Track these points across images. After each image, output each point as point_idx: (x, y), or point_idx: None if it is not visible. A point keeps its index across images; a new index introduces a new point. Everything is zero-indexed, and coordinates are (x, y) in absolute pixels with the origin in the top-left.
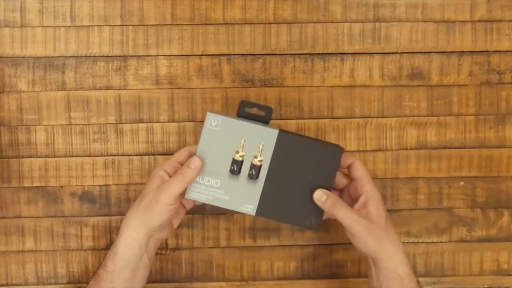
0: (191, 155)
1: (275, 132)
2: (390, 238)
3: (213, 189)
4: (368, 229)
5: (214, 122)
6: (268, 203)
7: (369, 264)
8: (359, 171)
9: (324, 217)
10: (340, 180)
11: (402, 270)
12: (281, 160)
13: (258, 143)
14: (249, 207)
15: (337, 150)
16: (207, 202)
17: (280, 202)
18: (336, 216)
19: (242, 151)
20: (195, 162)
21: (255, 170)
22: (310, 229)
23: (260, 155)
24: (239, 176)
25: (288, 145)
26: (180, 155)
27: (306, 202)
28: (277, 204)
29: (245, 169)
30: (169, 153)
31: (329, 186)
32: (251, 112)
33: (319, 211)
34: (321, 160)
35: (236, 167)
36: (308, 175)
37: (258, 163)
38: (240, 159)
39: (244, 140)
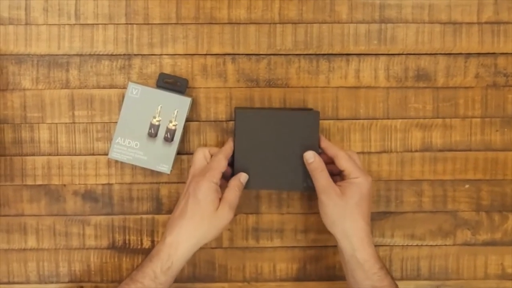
0: (226, 158)
1: (188, 100)
2: (351, 219)
3: (133, 150)
4: (332, 199)
5: (134, 90)
6: (260, 176)
7: (339, 248)
8: (345, 162)
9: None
10: (334, 168)
11: (359, 255)
12: (263, 133)
13: (173, 109)
14: (165, 167)
15: (314, 114)
16: (127, 161)
17: (273, 172)
18: (314, 177)
19: (158, 116)
20: (244, 177)
21: (170, 134)
22: (308, 191)
23: (175, 120)
24: (156, 139)
25: (267, 120)
26: (223, 165)
27: (298, 168)
28: (270, 175)
29: (161, 133)
30: None
31: (316, 150)
32: (169, 82)
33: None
34: (301, 127)
35: (153, 130)
36: (294, 144)
37: (173, 127)
38: (157, 123)
39: (161, 107)
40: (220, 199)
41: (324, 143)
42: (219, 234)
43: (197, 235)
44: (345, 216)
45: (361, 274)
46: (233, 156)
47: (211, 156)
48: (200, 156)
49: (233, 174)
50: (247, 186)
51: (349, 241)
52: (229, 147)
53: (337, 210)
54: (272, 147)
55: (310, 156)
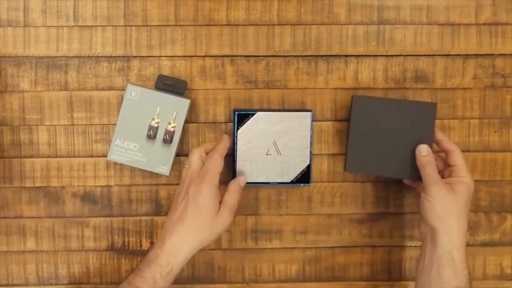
0: (222, 157)
1: (187, 101)
2: (458, 218)
3: (132, 152)
4: (443, 195)
5: (133, 92)
6: (370, 161)
7: (425, 242)
8: (457, 159)
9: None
10: (439, 164)
11: (457, 254)
12: (380, 119)
13: (172, 111)
14: (164, 168)
15: (431, 106)
16: (126, 163)
17: (383, 158)
18: (423, 171)
19: (157, 118)
20: (243, 180)
21: (169, 135)
22: (412, 179)
23: (174, 122)
24: (155, 140)
25: (383, 107)
26: (220, 166)
27: (408, 157)
28: (380, 161)
29: (160, 134)
30: None
31: (430, 141)
32: (168, 84)
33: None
34: (417, 117)
35: (152, 132)
36: (408, 133)
37: (172, 129)
38: (155, 125)
39: (160, 109)
40: (220, 203)
41: (440, 136)
42: (218, 237)
43: (197, 239)
44: (453, 213)
45: (451, 272)
46: (233, 157)
47: (207, 154)
48: (196, 158)
49: (234, 175)
50: (357, 170)
51: (450, 238)
52: (223, 145)
53: (446, 205)
54: (385, 134)
55: (425, 150)
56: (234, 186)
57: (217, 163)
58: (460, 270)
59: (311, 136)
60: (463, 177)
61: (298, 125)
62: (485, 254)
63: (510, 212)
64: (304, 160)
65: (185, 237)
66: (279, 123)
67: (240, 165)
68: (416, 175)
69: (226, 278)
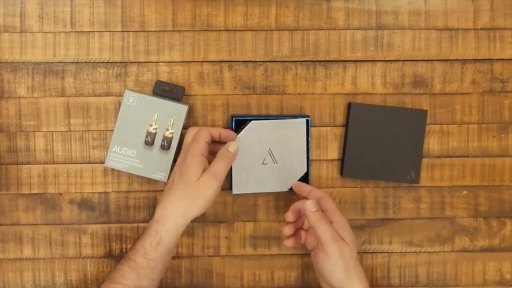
0: (210, 134)
1: (185, 107)
2: (358, 275)
3: (130, 158)
4: (342, 252)
5: (131, 98)
6: (368, 166)
7: None
8: (329, 203)
9: (302, 241)
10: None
11: None
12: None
13: (170, 117)
14: (161, 175)
15: (422, 113)
16: (124, 170)
17: (380, 163)
18: (317, 229)
19: (155, 124)
20: (234, 146)
21: (167, 141)
22: (411, 183)
23: (172, 128)
24: (153, 147)
25: (378, 114)
26: (205, 136)
27: (403, 161)
28: (377, 166)
29: (158, 141)
30: None
31: (420, 146)
32: (165, 90)
33: (417, 166)
34: (409, 123)
35: (150, 138)
36: (401, 138)
37: (170, 135)
38: (153, 131)
39: (157, 115)
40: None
41: (307, 187)
42: (206, 207)
43: (183, 205)
44: (352, 270)
45: None
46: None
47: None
48: (190, 134)
49: (231, 186)
50: (356, 176)
51: None
52: (223, 130)
53: (344, 264)
54: (381, 140)
55: (313, 206)
56: (223, 152)
57: (202, 133)
58: None
59: (309, 142)
60: (338, 221)
61: (294, 132)
62: (484, 259)
63: (509, 217)
64: (301, 168)
65: (171, 204)
66: (274, 131)
67: (236, 175)
68: (410, 179)
69: (225, 285)
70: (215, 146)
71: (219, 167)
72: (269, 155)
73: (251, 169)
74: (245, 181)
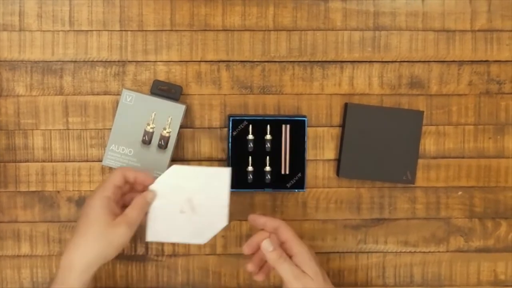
0: (124, 176)
1: (182, 107)
2: None
3: (127, 157)
4: (308, 285)
5: (128, 97)
6: (364, 167)
7: None
8: (286, 233)
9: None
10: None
11: None
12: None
13: (167, 116)
14: (158, 174)
15: (418, 114)
16: None
17: (376, 164)
18: (278, 268)
19: (152, 123)
20: (151, 196)
21: (164, 141)
22: (407, 183)
23: (169, 127)
24: (150, 146)
25: (374, 115)
26: (116, 178)
27: (399, 161)
28: (374, 166)
29: (155, 140)
30: None
31: (416, 146)
32: (163, 89)
33: (413, 167)
34: (405, 124)
35: (147, 137)
36: (397, 139)
37: (167, 134)
38: (151, 130)
39: (155, 114)
40: (119, 215)
41: (262, 219)
42: (118, 252)
43: (92, 252)
44: None
45: None
46: None
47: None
48: (116, 173)
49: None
50: (352, 176)
51: None
52: (135, 170)
53: None
54: (377, 140)
55: (269, 245)
56: (139, 200)
57: (113, 175)
58: None
59: (305, 143)
60: (298, 253)
61: (216, 182)
62: (479, 260)
63: (504, 218)
64: (221, 220)
65: (78, 249)
66: (195, 179)
67: (152, 221)
68: (406, 179)
69: (221, 283)
70: (132, 191)
71: (134, 215)
72: (188, 204)
73: (167, 217)
74: (159, 229)
